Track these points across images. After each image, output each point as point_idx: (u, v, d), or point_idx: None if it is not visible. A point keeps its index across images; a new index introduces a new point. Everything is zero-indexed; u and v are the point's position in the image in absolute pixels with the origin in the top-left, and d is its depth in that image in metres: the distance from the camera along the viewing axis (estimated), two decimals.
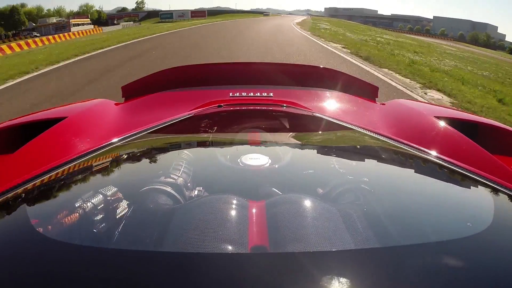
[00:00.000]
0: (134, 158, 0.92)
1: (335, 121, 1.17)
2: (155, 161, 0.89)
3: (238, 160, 0.78)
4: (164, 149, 1.00)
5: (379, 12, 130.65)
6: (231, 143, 1.02)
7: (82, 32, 29.79)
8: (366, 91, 1.71)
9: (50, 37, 22.78)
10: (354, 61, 9.40)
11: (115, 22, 75.46)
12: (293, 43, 14.18)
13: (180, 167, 0.77)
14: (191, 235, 0.52)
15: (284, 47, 12.67)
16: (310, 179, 0.79)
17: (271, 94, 1.50)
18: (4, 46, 15.98)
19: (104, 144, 0.91)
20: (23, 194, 0.68)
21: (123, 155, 0.93)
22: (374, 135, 1.04)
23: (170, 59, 9.80)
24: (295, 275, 0.42)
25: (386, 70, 8.08)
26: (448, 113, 1.40)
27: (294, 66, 2.00)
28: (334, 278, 0.41)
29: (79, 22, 55.17)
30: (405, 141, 0.96)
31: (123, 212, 0.61)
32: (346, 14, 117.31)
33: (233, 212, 0.57)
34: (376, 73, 7.63)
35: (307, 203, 0.62)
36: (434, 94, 6.07)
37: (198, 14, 77.17)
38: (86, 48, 12.89)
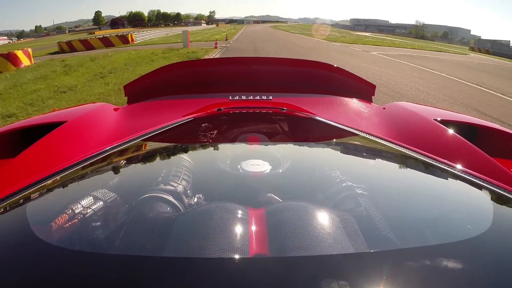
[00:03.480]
0: (133, 164, 0.92)
1: (335, 125, 1.17)
2: (155, 167, 0.88)
3: (238, 166, 0.79)
4: (164, 155, 0.99)
5: (389, 22, 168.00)
6: (231, 149, 1.01)
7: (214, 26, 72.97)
8: (363, 88, 1.81)
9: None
10: (323, 40, 27.97)
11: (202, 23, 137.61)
12: None
13: (180, 173, 0.77)
14: (192, 242, 0.53)
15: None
16: (311, 184, 0.80)
17: (271, 97, 1.54)
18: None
19: (103, 150, 0.92)
20: (24, 200, 0.68)
21: (122, 160, 0.92)
22: (374, 139, 1.05)
23: (252, 31, 47.11)
24: (296, 281, 0.42)
25: (336, 42, 26.12)
26: (448, 116, 1.40)
27: (291, 61, 1.97)
28: (335, 283, 0.41)
29: (203, 22, 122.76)
30: (405, 145, 0.97)
31: (123, 218, 0.61)
32: (364, 24, 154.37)
33: (234, 219, 0.57)
34: (332, 43, 25.33)
35: (308, 209, 0.62)
36: (341, 45, 23.40)
37: (256, 21, 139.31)
38: (232, 31, 43.49)
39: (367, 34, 70.48)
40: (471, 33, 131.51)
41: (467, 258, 0.49)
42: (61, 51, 17.46)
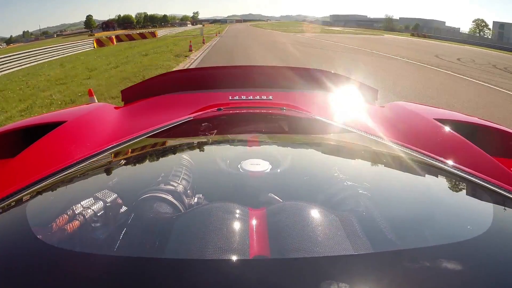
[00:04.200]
0: (133, 163, 0.92)
1: (335, 124, 1.19)
2: (155, 167, 0.88)
3: (239, 166, 0.79)
4: (164, 154, 0.99)
5: (368, 16, 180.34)
6: (231, 148, 1.00)
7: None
8: (365, 93, 1.79)
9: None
10: (283, 32, 39.35)
11: (188, 24, 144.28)
12: None
13: (180, 173, 0.76)
14: (192, 242, 0.52)
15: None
16: (311, 184, 0.79)
17: (271, 97, 1.54)
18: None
19: (103, 149, 0.92)
20: (24, 200, 0.68)
21: (122, 160, 0.93)
22: (374, 139, 1.05)
23: (235, 29, 58.04)
24: (296, 282, 0.42)
25: (307, 34, 37.32)
26: (447, 115, 1.42)
27: (293, 70, 1.92)
28: (336, 285, 0.41)
29: (188, 23, 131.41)
30: (405, 144, 0.98)
31: (123, 219, 0.61)
32: (343, 19, 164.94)
33: (234, 220, 0.57)
34: (290, 33, 36.66)
35: (308, 209, 0.61)
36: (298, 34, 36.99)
37: (238, 20, 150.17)
38: (215, 30, 48.00)
39: (336, 28, 79.53)
40: (446, 24, 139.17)
41: (467, 258, 0.48)
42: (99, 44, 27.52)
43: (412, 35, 52.59)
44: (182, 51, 14.82)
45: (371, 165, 0.95)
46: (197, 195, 0.70)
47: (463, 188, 0.78)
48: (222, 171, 0.81)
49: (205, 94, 1.71)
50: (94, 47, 21.22)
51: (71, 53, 17.93)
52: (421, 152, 0.92)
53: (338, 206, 0.67)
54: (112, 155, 0.93)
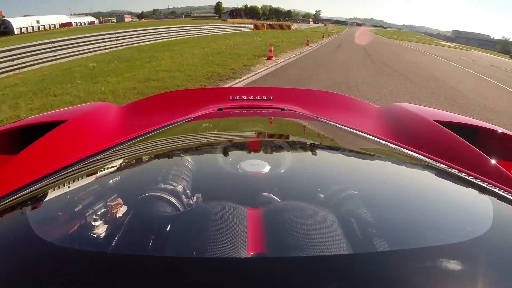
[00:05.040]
0: (133, 163, 0.92)
1: (335, 125, 1.18)
2: (154, 167, 0.88)
3: (238, 166, 0.78)
4: (164, 154, 0.99)
5: (491, 37, 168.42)
6: (230, 148, 0.99)
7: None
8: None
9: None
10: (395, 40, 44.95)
11: None
12: None
13: (180, 173, 0.77)
14: (190, 241, 0.53)
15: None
16: (310, 185, 0.78)
17: (271, 98, 1.54)
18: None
19: (103, 149, 0.93)
20: (24, 198, 0.68)
21: (123, 159, 0.93)
22: (374, 140, 1.06)
23: (351, 31, 67.00)
24: (294, 281, 0.42)
25: (410, 43, 41.19)
26: (448, 117, 1.40)
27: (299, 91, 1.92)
28: (334, 284, 0.42)
29: (310, 21, 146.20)
30: (405, 146, 0.99)
31: (123, 218, 0.61)
32: (465, 36, 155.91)
33: (232, 219, 0.56)
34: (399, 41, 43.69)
35: (307, 209, 0.61)
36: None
37: (359, 23, 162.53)
38: (335, 30, 65.44)
39: (450, 44, 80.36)
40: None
41: (467, 259, 0.48)
42: (256, 28, 38.66)
43: None
44: (317, 39, 25.50)
45: (370, 165, 0.94)
46: (196, 195, 0.70)
47: (463, 190, 0.78)
48: (222, 171, 0.81)
49: (206, 93, 1.81)
50: (252, 29, 33.13)
51: (240, 31, 28.71)
52: (421, 153, 0.93)
53: (337, 206, 0.66)
54: (112, 154, 0.94)
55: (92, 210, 0.60)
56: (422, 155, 0.92)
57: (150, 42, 16.53)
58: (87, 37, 12.75)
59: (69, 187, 0.76)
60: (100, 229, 0.58)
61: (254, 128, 1.26)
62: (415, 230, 0.60)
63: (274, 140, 1.13)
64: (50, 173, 0.81)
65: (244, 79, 8.07)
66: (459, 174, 0.82)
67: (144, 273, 0.43)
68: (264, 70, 9.49)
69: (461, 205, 0.71)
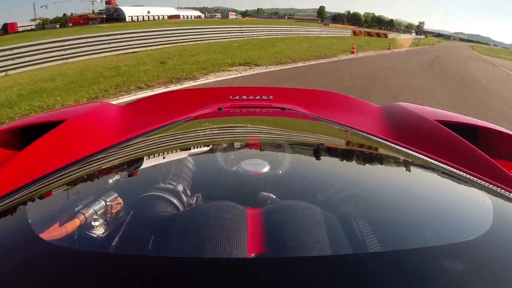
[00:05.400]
0: (133, 162, 0.92)
1: (335, 124, 1.19)
2: (154, 166, 0.88)
3: (238, 166, 0.79)
4: (164, 153, 0.98)
5: None
6: (230, 148, 1.00)
7: None
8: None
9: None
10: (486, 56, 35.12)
11: None
12: None
13: (179, 172, 0.77)
14: (190, 241, 0.52)
15: None
16: (310, 184, 0.78)
17: (271, 97, 1.54)
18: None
19: (103, 149, 0.93)
20: (24, 198, 0.68)
21: (122, 159, 0.94)
22: (374, 139, 1.06)
23: (448, 46, 66.09)
24: (294, 281, 0.42)
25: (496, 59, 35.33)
26: (448, 116, 1.40)
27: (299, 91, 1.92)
28: (334, 284, 0.41)
29: (412, 32, 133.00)
30: (405, 145, 0.98)
31: (123, 217, 0.61)
32: None
33: (232, 219, 0.56)
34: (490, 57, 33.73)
35: (307, 209, 0.61)
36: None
37: (462, 39, 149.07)
38: (431, 42, 61.26)
39: None
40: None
41: (467, 260, 0.48)
42: (354, 34, 42.49)
43: None
44: (401, 47, 28.99)
45: (370, 165, 0.94)
46: (195, 194, 0.70)
47: (463, 190, 0.78)
48: (221, 170, 0.81)
49: (205, 92, 1.77)
50: (351, 35, 37.26)
51: (339, 35, 32.77)
52: (420, 152, 0.93)
53: (337, 206, 0.67)
54: (112, 154, 0.94)
55: (92, 210, 0.60)
56: (422, 155, 0.91)
57: (265, 36, 21.92)
58: (223, 28, 19.95)
59: (69, 186, 0.76)
60: (100, 229, 0.59)
61: (254, 127, 1.25)
62: (415, 229, 0.60)
63: (274, 139, 1.14)
64: (50, 173, 0.81)
65: (331, 60, 13.33)
66: (459, 173, 0.81)
67: (144, 272, 0.43)
68: (345, 58, 14.72)
69: (461, 204, 0.71)
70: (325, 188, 0.75)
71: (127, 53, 12.82)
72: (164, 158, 0.94)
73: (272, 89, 1.76)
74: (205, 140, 1.10)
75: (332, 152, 1.03)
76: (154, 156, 0.98)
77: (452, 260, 0.47)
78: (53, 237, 0.54)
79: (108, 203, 0.63)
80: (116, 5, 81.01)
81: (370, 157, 1.00)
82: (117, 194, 0.65)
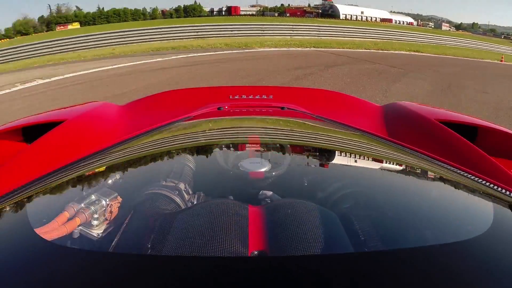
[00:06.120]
0: (133, 162, 0.92)
1: (335, 123, 1.19)
2: (154, 166, 0.88)
3: (238, 165, 0.79)
4: (164, 153, 0.99)
5: None
6: (231, 147, 0.99)
7: None
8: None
9: None
10: None
11: None
12: None
13: (180, 172, 0.77)
14: (191, 240, 0.52)
15: None
16: (310, 183, 0.78)
17: (271, 96, 1.54)
18: None
19: (103, 148, 0.93)
20: (24, 198, 0.68)
21: (122, 158, 0.93)
22: (374, 138, 1.06)
23: None
24: (295, 280, 0.42)
25: None
26: (448, 116, 1.39)
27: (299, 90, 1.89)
28: (334, 283, 0.41)
29: None
30: (405, 144, 0.97)
31: (124, 216, 0.61)
32: None
33: (233, 217, 0.56)
34: None
35: (307, 208, 0.61)
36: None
37: None
38: None
39: None
40: None
41: (467, 259, 0.47)
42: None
43: None
44: None
45: (370, 164, 0.94)
46: (196, 193, 0.70)
47: (463, 189, 0.77)
48: (222, 170, 0.81)
49: (205, 92, 1.76)
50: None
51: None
52: (420, 151, 0.92)
53: (337, 204, 0.66)
54: (112, 153, 0.94)
55: (93, 209, 0.60)
56: (422, 154, 0.91)
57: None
58: (436, 36, 26.34)
59: (69, 186, 0.76)
60: (100, 228, 0.59)
61: (254, 126, 1.24)
62: (415, 228, 0.60)
63: (274, 138, 1.13)
64: (51, 172, 0.80)
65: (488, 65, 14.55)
66: (459, 173, 0.81)
67: (146, 271, 0.43)
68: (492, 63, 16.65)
69: (461, 204, 0.71)
70: (325, 186, 0.75)
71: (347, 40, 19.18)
72: (164, 157, 0.96)
73: (272, 88, 1.86)
74: (205, 140, 1.10)
75: (332, 151, 1.04)
76: (154, 156, 0.98)
77: (452, 259, 0.47)
78: (54, 237, 0.54)
79: (108, 203, 0.63)
80: (332, 2, 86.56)
81: (370, 156, 1.01)
82: (117, 194, 0.65)
